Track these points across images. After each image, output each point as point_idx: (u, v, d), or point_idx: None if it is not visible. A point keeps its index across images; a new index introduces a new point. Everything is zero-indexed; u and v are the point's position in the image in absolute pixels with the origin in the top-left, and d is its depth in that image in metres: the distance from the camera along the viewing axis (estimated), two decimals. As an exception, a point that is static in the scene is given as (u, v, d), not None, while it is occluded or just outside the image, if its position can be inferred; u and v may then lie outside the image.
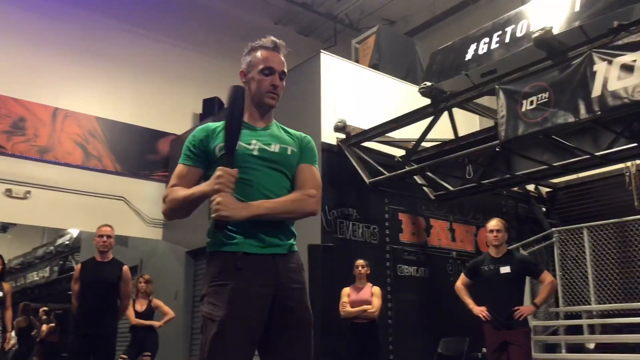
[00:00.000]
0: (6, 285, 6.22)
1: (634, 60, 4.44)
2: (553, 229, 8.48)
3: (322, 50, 7.41)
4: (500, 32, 5.67)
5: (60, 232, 15.05)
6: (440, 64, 6.21)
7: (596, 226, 7.94)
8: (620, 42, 4.57)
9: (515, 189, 8.55)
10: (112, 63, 9.92)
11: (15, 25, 9.24)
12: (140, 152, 9.77)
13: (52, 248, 15.30)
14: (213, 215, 2.05)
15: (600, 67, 4.64)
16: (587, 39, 4.93)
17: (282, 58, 2.32)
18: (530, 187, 8.99)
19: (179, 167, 2.27)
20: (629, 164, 7.42)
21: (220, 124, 2.26)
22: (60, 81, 9.41)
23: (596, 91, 4.62)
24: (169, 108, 10.28)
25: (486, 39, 5.78)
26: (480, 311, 4.90)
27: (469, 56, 5.88)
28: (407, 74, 8.27)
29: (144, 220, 9.51)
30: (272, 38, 2.34)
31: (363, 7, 12.08)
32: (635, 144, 5.28)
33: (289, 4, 11.96)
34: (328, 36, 12.75)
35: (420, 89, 5.96)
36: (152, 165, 9.85)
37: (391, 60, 8.29)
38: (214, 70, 10.86)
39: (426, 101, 6.29)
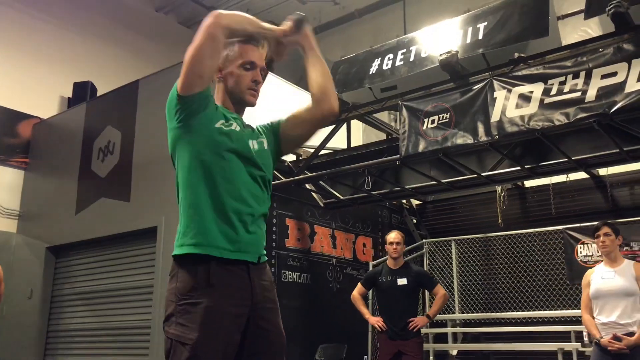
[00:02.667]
0: None
1: (531, 92, 4.80)
2: (424, 240, 8.96)
3: (219, 46, 7.13)
4: (404, 50, 5.85)
5: None
6: (343, 74, 6.28)
7: (463, 240, 8.52)
8: (519, 73, 4.93)
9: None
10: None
11: None
12: (-4, 134, 8.77)
13: None
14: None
15: (500, 94, 4.95)
16: (488, 66, 5.25)
17: (262, 52, 2.17)
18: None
19: None
20: (497, 187, 8.03)
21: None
22: None
23: (495, 116, 4.93)
24: (34, 89, 9.32)
25: (391, 55, 5.94)
26: (376, 321, 5.02)
27: (373, 70, 6.00)
28: (300, 79, 8.25)
29: (-2, 211, 8.53)
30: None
31: (249, 6, 11.87)
32: (519, 167, 5.71)
33: (172, -8, 11.46)
34: (211, 31, 12.40)
35: (323, 97, 5.96)
36: (9, 149, 8.85)
37: (284, 64, 8.21)
38: (87, 53, 10.06)
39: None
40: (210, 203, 1.94)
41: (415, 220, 9.68)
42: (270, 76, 7.86)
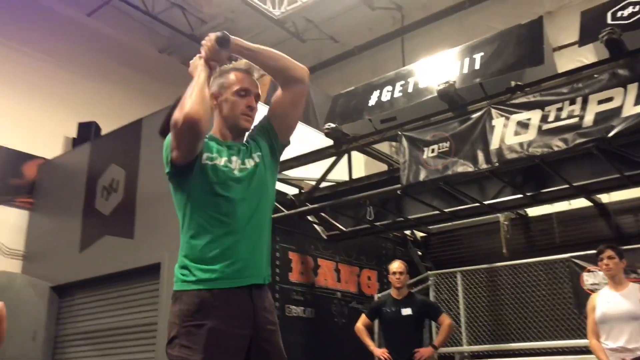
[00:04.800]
0: None
1: (529, 119, 4.85)
2: (428, 272, 8.89)
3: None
4: (403, 82, 5.94)
5: None
6: (343, 107, 6.36)
7: (469, 271, 8.45)
8: (516, 101, 4.98)
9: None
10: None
11: None
12: (2, 175, 8.83)
13: None
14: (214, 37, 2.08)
15: (498, 122, 5.00)
16: (485, 95, 5.31)
17: (256, 81, 2.25)
18: (407, 231, 9.38)
19: None
20: (500, 215, 8.01)
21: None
22: None
23: (494, 144, 4.97)
24: (38, 129, 9.44)
25: (389, 87, 6.02)
26: (381, 353, 4.96)
27: (372, 102, 6.08)
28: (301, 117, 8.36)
29: (2, 251, 8.53)
30: (245, 60, 2.26)
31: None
32: (520, 195, 5.72)
33: (175, 33, 11.68)
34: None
35: (324, 129, 6.04)
36: (15, 190, 8.92)
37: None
38: (92, 93, 10.22)
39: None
40: (208, 235, 2.01)
41: (420, 253, 9.64)
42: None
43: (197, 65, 2.12)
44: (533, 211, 8.36)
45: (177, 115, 1.95)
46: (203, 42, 2.13)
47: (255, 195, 2.12)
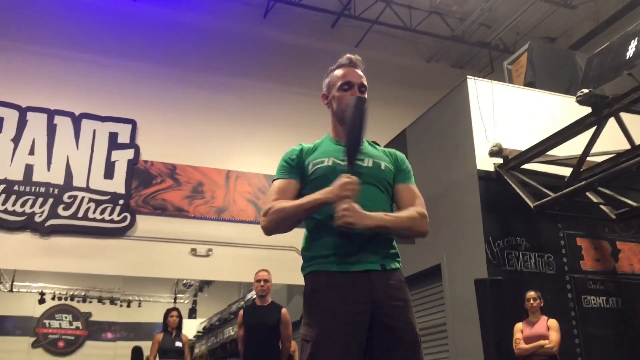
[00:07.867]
0: (184, 337, 6.66)
1: None
2: None
3: (468, 76, 7.14)
4: (664, 20, 5.00)
5: (250, 288, 15.93)
6: (597, 68, 5.63)
7: None
8: None
9: None
10: (274, 123, 10.57)
11: (191, 104, 10.27)
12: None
13: (242, 303, 16.22)
14: (339, 222, 1.94)
15: None
16: None
17: (360, 72, 2.28)
18: None
19: (277, 183, 2.19)
20: None
21: (311, 145, 2.25)
22: (230, 146, 10.23)
23: None
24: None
25: (648, 31, 5.13)
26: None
27: (630, 54, 5.24)
28: (569, 88, 7.61)
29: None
30: (348, 55, 2.32)
31: (517, 28, 11.53)
32: None
33: (437, 40, 11.84)
34: (484, 65, 12.34)
35: (577, 97, 5.43)
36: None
37: (548, 76, 7.71)
38: (371, 116, 10.98)
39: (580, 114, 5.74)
40: (321, 224, 2.08)
41: None
42: (531, 92, 7.47)
43: (335, 189, 1.99)
44: None
45: (261, 221, 2.10)
46: (350, 187, 1.98)
47: (367, 189, 2.10)
